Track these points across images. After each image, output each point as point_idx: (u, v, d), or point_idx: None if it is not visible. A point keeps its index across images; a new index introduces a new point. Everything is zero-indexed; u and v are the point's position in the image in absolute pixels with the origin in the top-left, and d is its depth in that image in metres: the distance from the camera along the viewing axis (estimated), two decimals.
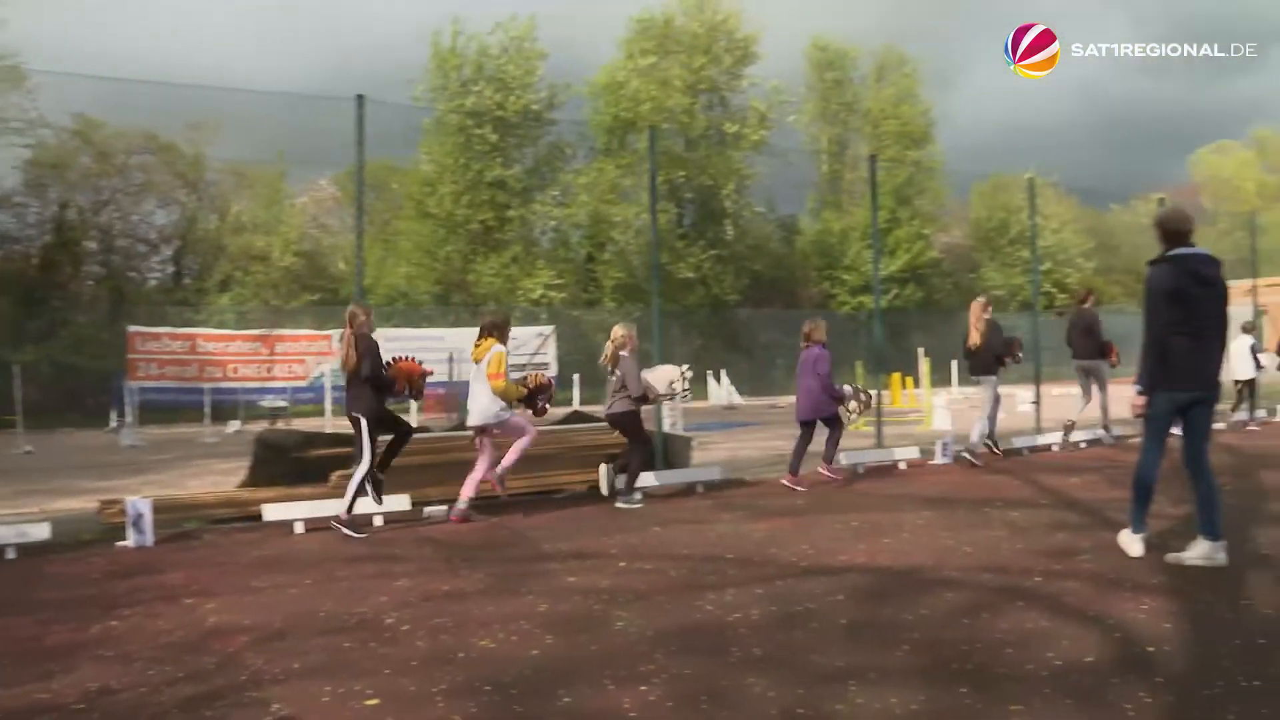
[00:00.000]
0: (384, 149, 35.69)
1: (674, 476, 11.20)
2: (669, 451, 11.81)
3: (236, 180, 37.82)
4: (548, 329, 31.76)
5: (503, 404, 9.33)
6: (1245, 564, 6.49)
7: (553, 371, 31.27)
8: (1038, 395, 16.24)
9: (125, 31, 58.08)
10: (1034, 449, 14.13)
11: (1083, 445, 14.31)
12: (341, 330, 9.21)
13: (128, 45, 53.93)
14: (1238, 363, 17.72)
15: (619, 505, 9.98)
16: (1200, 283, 6.44)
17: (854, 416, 11.92)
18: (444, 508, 9.57)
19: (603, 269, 38.29)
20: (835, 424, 11.32)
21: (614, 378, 10.34)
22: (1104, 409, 14.17)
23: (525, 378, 9.96)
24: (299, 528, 8.97)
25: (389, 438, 9.25)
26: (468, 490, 9.40)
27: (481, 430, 9.49)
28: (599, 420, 11.74)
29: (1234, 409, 17.91)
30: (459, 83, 36.64)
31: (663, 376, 10.65)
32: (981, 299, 13.16)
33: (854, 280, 42.93)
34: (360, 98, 10.28)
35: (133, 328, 24.20)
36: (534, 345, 31.01)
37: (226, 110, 33.97)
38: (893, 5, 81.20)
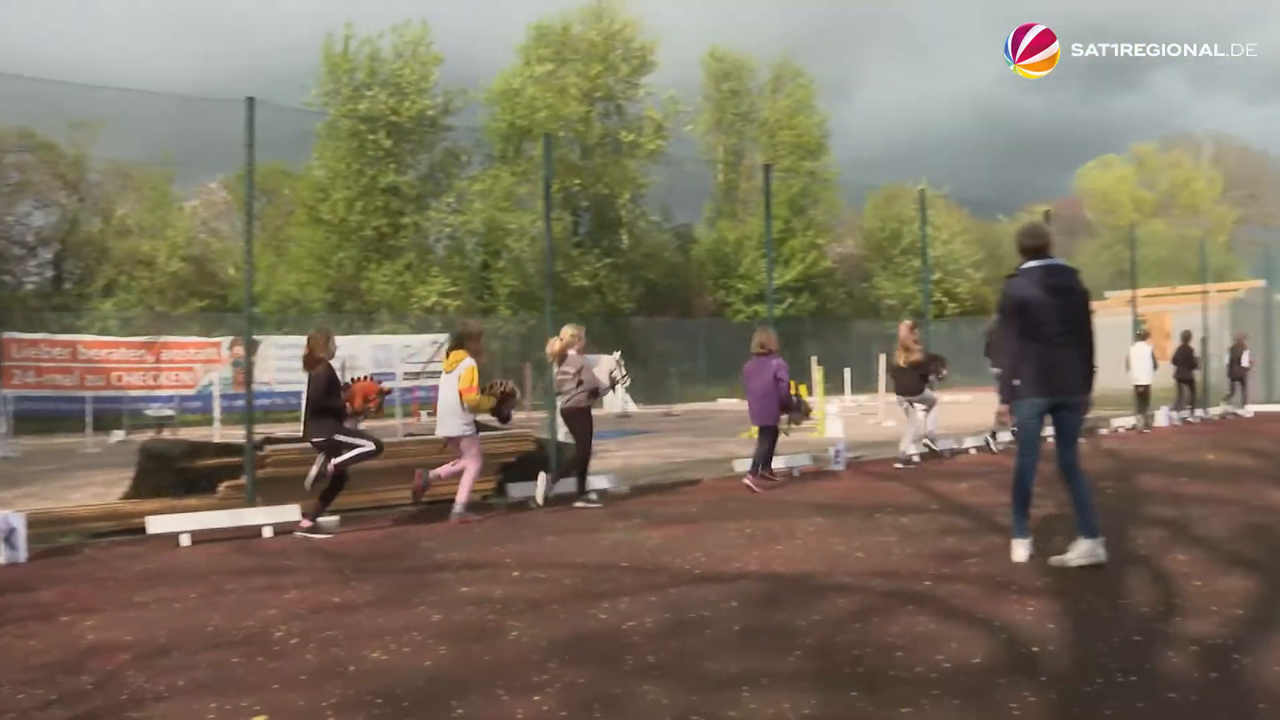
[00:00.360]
0: (276, 153, 35.02)
1: (567, 485, 11.15)
2: (562, 460, 11.75)
3: (121, 182, 36.69)
4: (442, 337, 31.42)
5: (469, 418, 9.69)
6: (1125, 564, 6.69)
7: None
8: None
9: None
10: (924, 455, 14.36)
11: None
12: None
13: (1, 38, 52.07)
14: (1138, 368, 18.75)
15: (577, 505, 10.39)
16: (1051, 292, 6.68)
17: (792, 428, 12.40)
18: (336, 518, 9.42)
19: (497, 277, 38.02)
20: (773, 435, 11.81)
21: (564, 374, 10.68)
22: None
23: (490, 386, 10.20)
24: (185, 540, 8.72)
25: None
26: (462, 495, 9.70)
27: (451, 440, 9.88)
28: (494, 429, 11.67)
29: (1140, 412, 18.94)
30: (352, 87, 36.08)
31: (602, 368, 11.33)
32: (908, 321, 13.98)
33: (748, 289, 43.29)
34: (250, 100, 10.06)
35: (7, 334, 23.35)
36: (428, 353, 30.66)
37: (111, 109, 32.88)
38: (790, 18, 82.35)
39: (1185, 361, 20.22)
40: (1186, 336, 20.57)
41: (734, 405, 29.58)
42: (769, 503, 10.35)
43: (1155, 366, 19.06)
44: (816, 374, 22.47)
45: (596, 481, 11.26)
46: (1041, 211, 24.62)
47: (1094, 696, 4.21)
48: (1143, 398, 19.01)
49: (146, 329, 28.17)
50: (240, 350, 18.73)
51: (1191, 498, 9.71)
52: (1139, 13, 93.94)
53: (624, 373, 11.40)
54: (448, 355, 9.99)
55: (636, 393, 30.88)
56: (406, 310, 34.44)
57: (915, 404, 13.95)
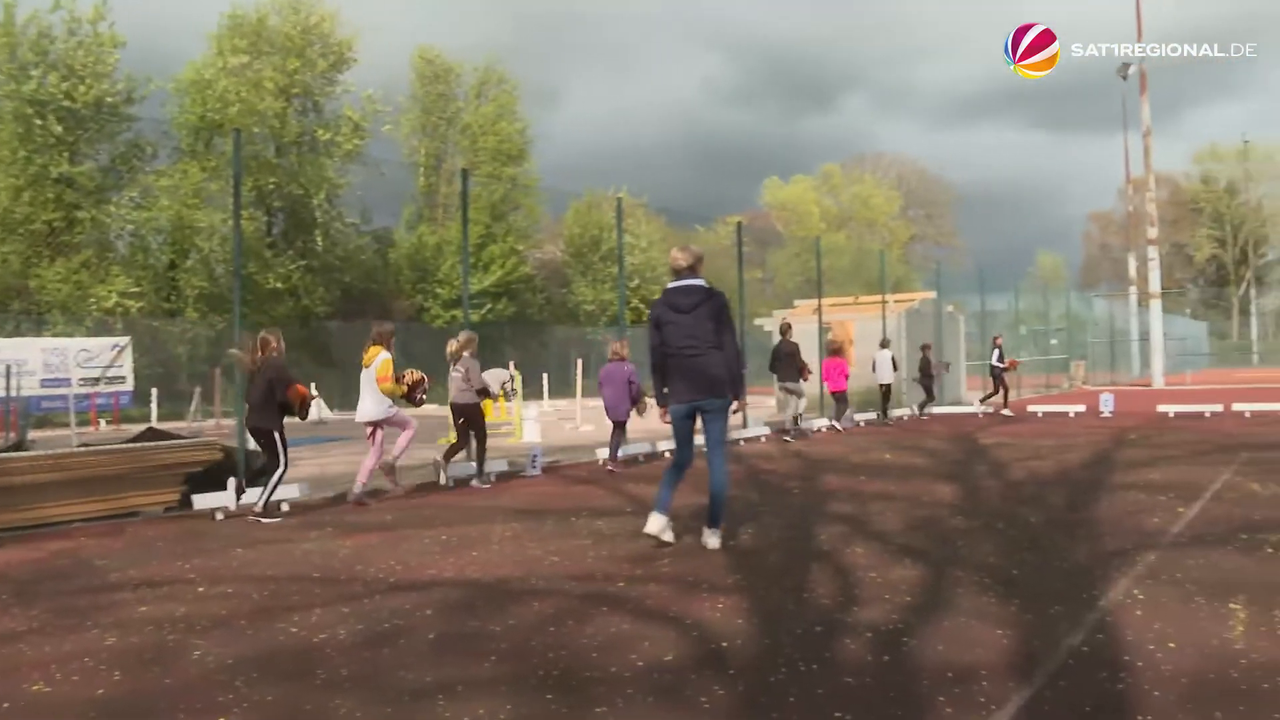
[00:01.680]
0: None
1: (257, 495, 10.71)
2: (251, 469, 11.27)
3: None
4: (124, 340, 29.70)
5: (389, 402, 11.06)
6: (809, 559, 7.05)
7: (129, 385, 29.28)
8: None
9: None
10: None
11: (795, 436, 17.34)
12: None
13: None
14: (881, 370, 21.99)
15: (473, 484, 12.08)
16: (677, 310, 7.55)
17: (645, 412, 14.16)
18: None
19: (185, 277, 36.11)
20: (624, 428, 13.84)
21: (457, 374, 12.15)
22: (798, 415, 17.92)
23: (401, 375, 11.29)
24: None
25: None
26: (362, 477, 10.89)
27: (373, 425, 11.10)
28: (177, 437, 11.12)
29: (883, 409, 22.36)
30: (17, 65, 33.36)
31: (495, 378, 12.44)
32: (786, 320, 16.49)
33: (447, 294, 43.10)
34: None
35: None
36: (108, 358, 28.88)
37: None
38: (497, 23, 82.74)
39: (926, 368, 23.39)
40: (926, 347, 23.83)
41: (433, 411, 29.25)
42: (466, 509, 10.29)
43: (895, 368, 22.07)
44: (515, 380, 22.54)
45: (288, 491, 10.86)
46: (734, 222, 25.72)
47: (778, 686, 4.39)
48: (885, 396, 22.18)
49: None
50: None
51: (870, 494, 10.36)
52: (827, 38, 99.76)
53: (514, 387, 12.38)
54: (365, 352, 11.19)
55: (331, 399, 30.04)
56: (83, 311, 32.19)
57: (790, 391, 17.26)
